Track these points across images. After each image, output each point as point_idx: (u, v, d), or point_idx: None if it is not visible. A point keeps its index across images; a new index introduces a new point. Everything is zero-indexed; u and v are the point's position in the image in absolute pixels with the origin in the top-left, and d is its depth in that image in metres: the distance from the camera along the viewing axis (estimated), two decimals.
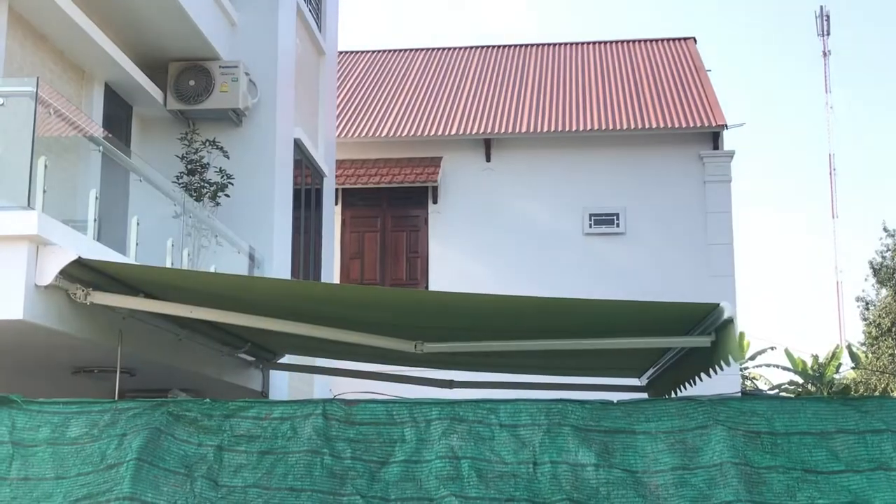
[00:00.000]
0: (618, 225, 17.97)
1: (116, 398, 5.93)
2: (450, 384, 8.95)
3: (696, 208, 17.86)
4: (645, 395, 8.32)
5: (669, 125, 18.11)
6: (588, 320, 6.54)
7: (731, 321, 5.72)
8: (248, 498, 4.94)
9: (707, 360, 6.27)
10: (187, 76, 11.57)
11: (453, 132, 18.47)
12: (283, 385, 11.34)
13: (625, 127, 18.22)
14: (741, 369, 24.01)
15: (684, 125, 18.05)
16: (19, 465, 5.16)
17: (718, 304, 5.80)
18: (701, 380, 6.97)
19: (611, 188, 18.10)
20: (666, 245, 17.76)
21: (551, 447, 5.10)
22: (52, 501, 4.97)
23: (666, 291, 16.57)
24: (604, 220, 18.01)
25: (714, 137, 18.23)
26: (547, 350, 7.04)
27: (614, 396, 5.62)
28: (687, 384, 7.49)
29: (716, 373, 6.41)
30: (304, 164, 13.59)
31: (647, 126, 18.16)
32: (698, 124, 18.04)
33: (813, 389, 29.72)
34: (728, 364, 5.90)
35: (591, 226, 18.00)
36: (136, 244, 7.75)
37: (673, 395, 7.73)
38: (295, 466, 5.07)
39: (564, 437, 5.13)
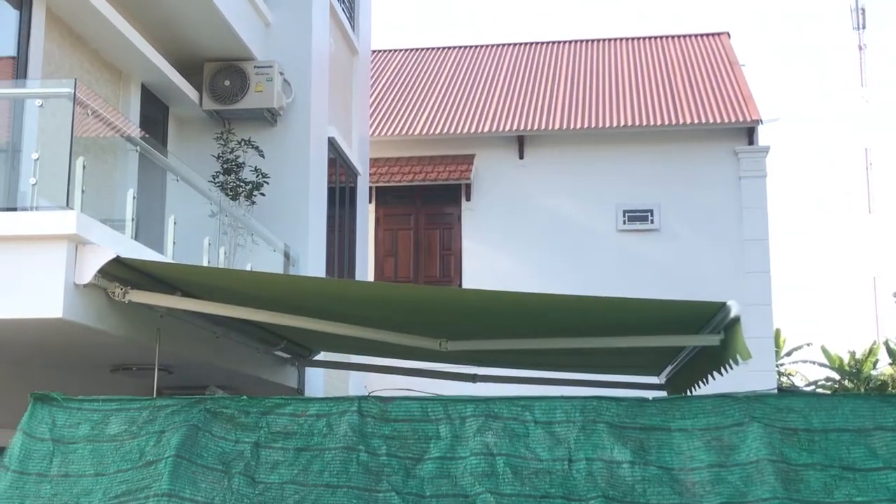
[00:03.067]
0: (652, 221, 17.88)
1: (155, 396, 6.00)
2: (473, 378, 9.08)
3: (731, 204, 17.73)
4: (664, 394, 8.32)
5: (704, 121, 17.99)
6: (602, 318, 6.57)
7: (737, 320, 5.71)
8: (285, 494, 4.98)
9: (719, 358, 6.28)
10: (222, 76, 11.65)
11: (486, 129, 18.46)
12: (318, 382, 11.41)
13: (658, 123, 18.12)
14: (777, 366, 23.80)
15: (718, 120, 17.93)
16: (59, 462, 5.23)
17: (725, 303, 5.80)
18: (714, 378, 6.99)
19: (645, 184, 18.01)
20: (701, 241, 17.65)
21: (586, 444, 5.10)
22: (91, 498, 5.03)
23: (700, 288, 16.48)
24: (638, 217, 17.93)
25: (749, 133, 18.09)
26: (564, 349, 7.10)
27: (632, 394, 5.63)
28: (701, 382, 7.50)
29: (727, 371, 6.42)
30: (338, 162, 13.65)
31: (681, 122, 18.05)
32: (733, 119, 17.91)
33: (850, 386, 29.41)
34: (736, 363, 5.90)
35: (624, 222, 17.92)
36: (174, 243, 7.82)
37: (689, 393, 7.73)
38: (331, 463, 5.10)
39: (599, 434, 5.13)
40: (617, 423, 5.17)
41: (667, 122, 18.09)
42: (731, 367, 6.21)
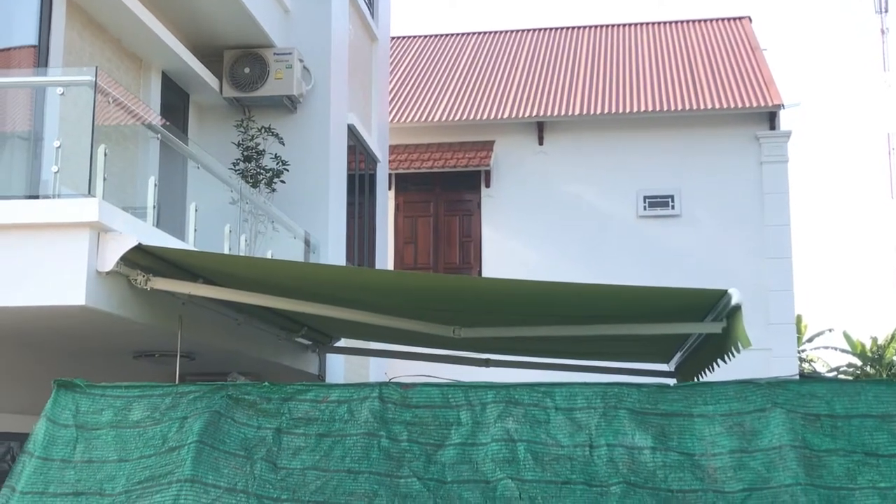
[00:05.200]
0: (672, 207, 17.81)
1: (177, 382, 6.03)
2: (486, 363, 9.16)
3: (752, 189, 17.63)
4: (674, 381, 8.33)
5: (725, 105, 17.88)
6: (610, 306, 6.58)
7: (738, 308, 5.71)
8: (307, 480, 5.00)
9: (722, 345, 6.28)
10: (242, 64, 11.67)
11: (506, 116, 18.42)
12: (339, 368, 11.44)
13: (679, 108, 18.02)
14: (799, 352, 23.70)
15: (740, 105, 17.82)
16: (83, 448, 5.27)
17: (727, 291, 5.79)
18: (718, 366, 7.00)
19: (665, 170, 17.93)
20: (722, 227, 17.58)
21: (607, 430, 5.10)
22: (115, 484, 5.06)
23: (721, 274, 16.44)
24: (658, 203, 17.86)
25: (770, 117, 17.97)
26: (574, 336, 7.15)
27: (641, 381, 5.64)
28: (708, 369, 7.49)
29: (730, 358, 6.42)
30: (357, 149, 13.66)
31: (702, 107, 17.94)
32: (754, 104, 17.79)
33: (872, 372, 29.26)
34: (738, 351, 5.90)
35: (645, 208, 17.86)
36: (195, 230, 7.85)
37: (697, 379, 7.73)
38: (352, 449, 5.11)
39: (621, 420, 5.12)
40: (638, 410, 5.16)
41: (687, 108, 17.99)
42: (734, 355, 6.22)
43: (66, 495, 5.04)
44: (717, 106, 17.89)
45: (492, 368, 9.29)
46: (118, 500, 4.97)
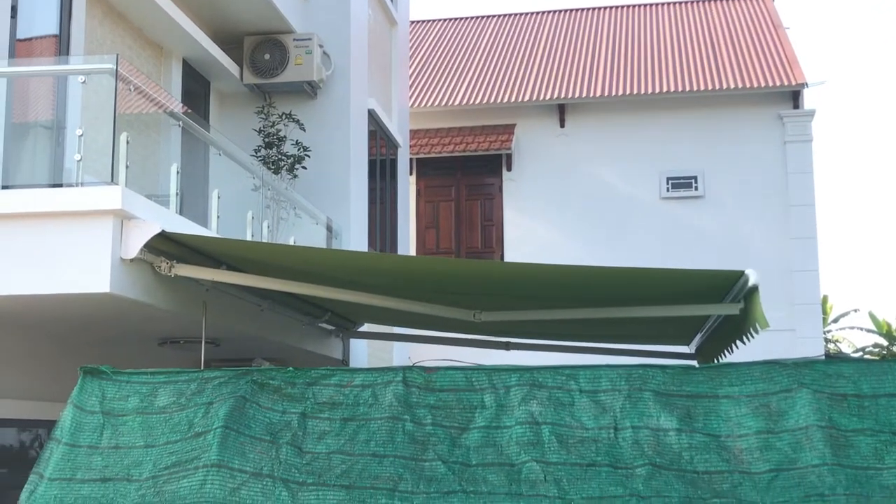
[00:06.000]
0: (696, 188, 17.71)
1: (202, 368, 6.06)
2: (506, 346, 9.18)
3: (776, 169, 17.51)
4: (695, 363, 8.31)
5: (748, 85, 17.74)
6: (629, 289, 6.56)
7: (755, 289, 5.67)
8: (333, 464, 5.02)
9: (740, 327, 6.25)
10: (262, 50, 11.68)
11: (526, 98, 18.35)
12: (362, 353, 11.47)
13: (702, 88, 17.89)
14: (824, 332, 23.58)
15: (763, 85, 17.67)
16: (110, 435, 5.30)
17: (744, 272, 5.76)
18: (737, 347, 6.96)
19: (688, 151, 17.83)
20: (746, 208, 17.47)
21: (632, 412, 5.09)
22: (142, 469, 5.10)
23: (746, 255, 16.36)
24: (681, 184, 17.76)
25: (794, 96, 17.82)
26: (592, 319, 7.14)
27: (663, 363, 5.62)
28: (727, 351, 7.46)
29: (749, 340, 6.38)
30: (378, 134, 13.65)
31: (724, 87, 17.81)
32: (777, 83, 17.64)
33: None
34: (756, 332, 5.86)
35: (668, 190, 17.77)
36: (218, 217, 7.87)
37: (716, 361, 7.70)
38: (377, 433, 5.13)
39: (645, 402, 5.11)
40: (663, 391, 5.15)
41: (710, 88, 17.86)
42: (752, 336, 6.18)
43: (94, 481, 5.08)
44: (741, 85, 17.76)
45: (513, 352, 9.32)
46: (145, 485, 5.00)
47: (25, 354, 7.40)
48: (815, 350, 15.59)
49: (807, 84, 17.59)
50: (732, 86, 17.79)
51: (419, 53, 21.60)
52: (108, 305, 6.44)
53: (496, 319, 7.25)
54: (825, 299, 28.82)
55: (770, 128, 17.71)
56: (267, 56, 11.64)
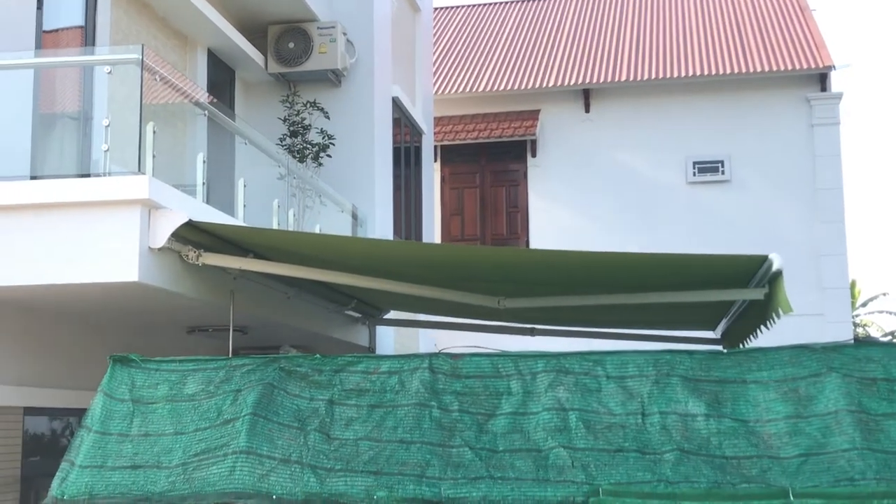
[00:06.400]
0: (722, 172, 17.59)
1: (230, 356, 6.09)
2: (531, 332, 9.17)
3: (803, 153, 17.36)
4: (721, 348, 8.27)
5: (774, 68, 17.58)
6: (654, 274, 6.53)
7: (780, 273, 5.63)
8: (360, 450, 5.04)
9: (765, 311, 6.21)
10: (286, 39, 11.69)
11: (551, 84, 18.28)
12: (389, 340, 11.50)
13: (728, 71, 17.75)
14: (853, 316, 23.40)
15: (790, 67, 17.51)
16: (140, 422, 5.34)
17: (767, 256, 5.71)
18: (762, 332, 6.91)
19: (715, 135, 17.70)
20: (773, 192, 17.34)
21: (660, 398, 5.07)
22: (171, 456, 5.14)
23: (773, 240, 16.23)
24: (708, 168, 17.65)
25: (821, 79, 17.64)
26: (616, 305, 7.11)
27: (689, 349, 5.60)
28: (752, 336, 7.41)
29: (774, 324, 6.33)
30: (402, 122, 13.65)
31: (751, 70, 17.66)
32: (804, 66, 17.47)
33: None
34: (779, 316, 5.82)
35: (694, 174, 17.66)
36: (244, 206, 7.90)
37: (742, 346, 7.65)
38: (404, 419, 5.14)
39: (673, 387, 5.09)
40: (691, 377, 5.13)
41: (736, 71, 17.72)
42: (775, 321, 6.14)
43: (124, 468, 5.12)
44: (767, 68, 17.60)
45: (537, 338, 9.30)
46: (175, 472, 5.04)
47: (55, 343, 7.47)
48: (844, 334, 15.46)
49: (834, 66, 17.41)
50: (759, 69, 17.64)
51: (443, 40, 21.55)
52: (137, 294, 6.48)
53: (520, 306, 7.24)
54: (853, 283, 28.60)
55: (797, 111, 17.55)
56: (291, 45, 11.66)
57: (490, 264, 6.71)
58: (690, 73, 17.88)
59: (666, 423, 4.97)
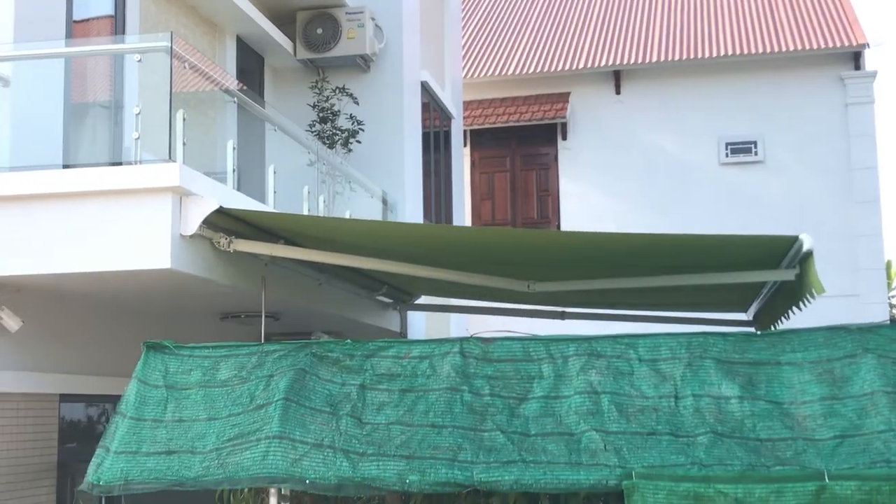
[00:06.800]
0: (755, 153, 17.43)
1: (262, 341, 6.12)
2: (561, 315, 9.15)
3: (837, 132, 17.16)
4: (753, 330, 8.20)
5: (807, 47, 17.37)
6: (683, 256, 6.48)
7: (810, 254, 5.56)
8: (392, 434, 5.05)
9: (797, 292, 6.14)
10: (315, 24, 11.69)
11: (581, 66, 18.17)
12: (420, 325, 11.51)
13: (760, 51, 17.56)
14: (889, 297, 23.15)
15: (823, 46, 17.29)
16: (174, 408, 5.39)
17: (798, 237, 5.64)
18: (794, 313, 6.84)
19: (747, 115, 17.53)
20: (807, 172, 17.17)
21: (693, 380, 5.05)
22: (205, 442, 5.17)
23: (807, 220, 16.08)
24: (740, 149, 17.49)
25: (855, 57, 17.41)
26: (647, 287, 7.07)
27: (722, 330, 5.55)
28: (784, 318, 7.34)
29: (805, 305, 6.26)
30: (431, 106, 13.62)
31: (783, 49, 17.46)
32: (838, 44, 17.25)
33: None
34: (812, 298, 5.75)
35: (727, 155, 17.51)
36: (274, 192, 7.92)
37: (774, 328, 7.58)
38: (435, 404, 5.15)
39: (706, 369, 5.06)
40: (724, 359, 5.10)
41: (769, 50, 17.52)
42: (808, 302, 6.07)
43: (159, 454, 5.17)
44: (800, 47, 17.39)
45: (568, 321, 9.28)
46: (209, 457, 5.08)
47: (90, 331, 7.54)
48: (880, 315, 15.30)
49: (868, 44, 17.18)
50: (792, 48, 17.43)
51: (472, 23, 21.46)
52: (170, 281, 6.52)
53: (550, 290, 7.22)
54: (889, 264, 28.26)
55: (831, 90, 17.34)
56: (319, 31, 11.65)
57: (520, 247, 6.69)
58: (722, 53, 17.71)
59: (699, 405, 4.95)
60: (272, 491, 5.54)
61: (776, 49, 17.49)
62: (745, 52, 17.60)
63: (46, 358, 7.01)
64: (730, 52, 17.68)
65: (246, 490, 5.88)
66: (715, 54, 17.73)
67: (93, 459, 5.27)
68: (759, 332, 5.30)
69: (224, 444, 5.11)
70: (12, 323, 6.46)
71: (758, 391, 4.97)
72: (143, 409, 5.38)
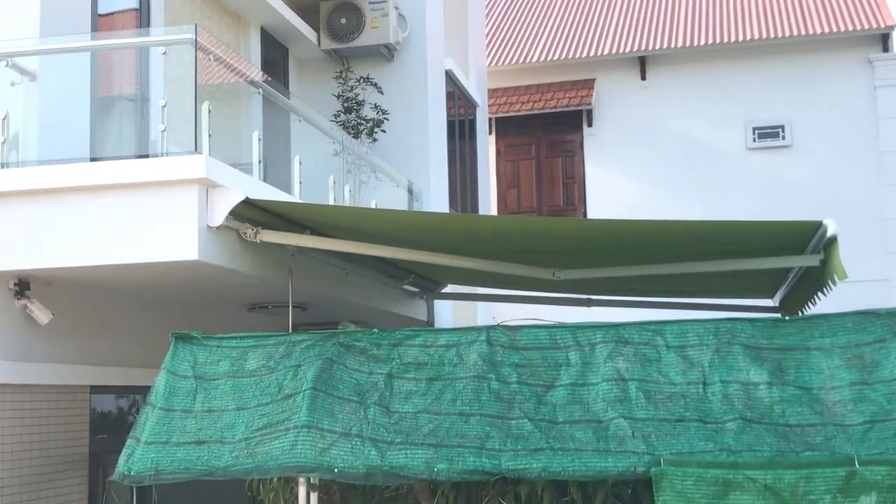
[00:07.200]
0: (783, 137, 17.29)
1: (290, 331, 6.15)
2: (587, 302, 9.13)
3: (866, 115, 16.98)
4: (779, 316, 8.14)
5: (834, 29, 17.19)
6: (707, 242, 6.43)
7: (834, 239, 5.50)
8: (420, 423, 5.06)
9: (821, 278, 6.09)
10: (338, 14, 11.69)
11: (606, 52, 18.08)
12: (446, 314, 11.52)
13: (787, 34, 17.40)
14: None
15: (850, 28, 17.11)
16: (203, 398, 5.43)
17: (822, 223, 5.59)
18: (819, 299, 6.78)
19: (774, 99, 17.39)
20: (835, 156, 17.01)
21: (721, 367, 5.03)
22: (234, 431, 5.21)
23: (837, 204, 15.95)
24: (768, 133, 17.35)
25: (883, 39, 17.21)
26: (672, 274, 7.03)
27: (750, 317, 5.50)
28: (809, 303, 7.28)
29: (830, 291, 6.20)
30: (456, 95, 13.60)
31: (810, 32, 17.29)
32: (866, 26, 17.06)
33: None
34: (835, 283, 5.70)
35: (754, 140, 17.38)
36: (300, 183, 7.94)
37: (801, 314, 7.52)
38: (463, 392, 5.16)
39: (735, 356, 5.04)
40: (752, 345, 5.07)
41: (795, 33, 17.36)
42: (832, 288, 6.02)
43: (189, 444, 5.21)
44: (827, 30, 17.22)
45: (594, 309, 9.25)
46: (238, 447, 5.11)
47: (119, 322, 7.60)
48: None
49: None
50: (819, 31, 17.26)
51: (495, 10, 21.40)
52: (197, 272, 6.56)
53: (575, 277, 7.20)
54: None
55: (859, 72, 17.17)
56: (343, 20, 11.65)
57: (546, 235, 6.67)
58: (748, 37, 17.56)
59: (728, 391, 4.93)
60: (301, 480, 5.57)
61: (803, 32, 17.33)
62: (772, 35, 17.45)
63: (77, 350, 7.07)
64: (756, 36, 17.53)
65: (275, 479, 5.92)
66: (741, 38, 17.59)
67: (124, 450, 5.32)
68: (787, 318, 5.26)
69: (253, 433, 5.14)
70: (42, 316, 6.52)
71: (787, 377, 4.94)
72: (173, 399, 5.43)
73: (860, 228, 15.59)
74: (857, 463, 4.45)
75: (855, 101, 17.06)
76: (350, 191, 9.32)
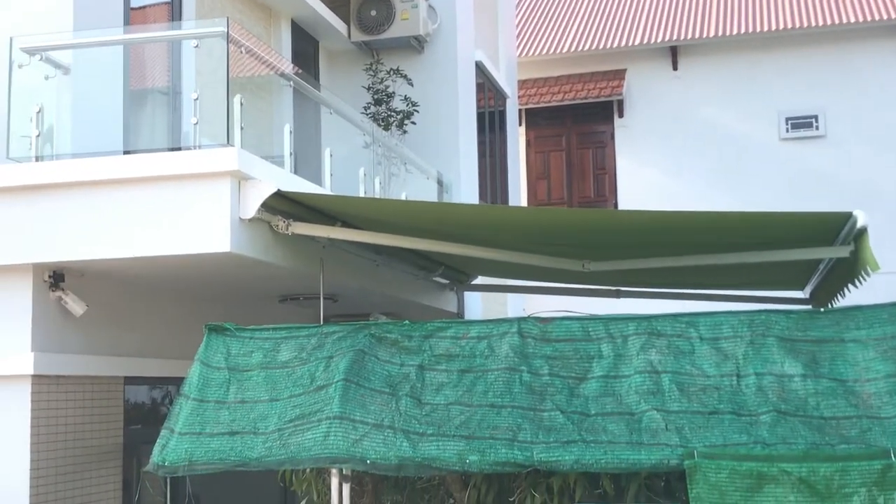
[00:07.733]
0: (817, 128, 17.11)
1: (321, 323, 6.17)
2: (616, 294, 9.06)
3: None
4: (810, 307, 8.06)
5: (869, 18, 16.98)
6: (738, 233, 6.38)
7: (864, 230, 5.43)
8: (451, 415, 5.06)
9: (852, 270, 6.01)
10: (368, 6, 11.69)
11: (637, 42, 17.97)
12: (477, 305, 11.52)
13: (821, 23, 17.21)
14: None
15: (885, 17, 16.89)
16: (236, 390, 5.46)
17: (851, 213, 5.52)
18: (849, 290, 6.70)
19: (808, 89, 17.21)
20: (870, 146, 16.81)
21: (755, 359, 4.99)
22: (267, 422, 5.24)
23: (870, 195, 15.78)
24: (801, 124, 17.18)
25: None
26: (701, 265, 6.98)
27: (784, 308, 5.45)
28: (839, 295, 7.20)
29: (861, 283, 6.13)
30: (486, 86, 13.57)
31: (844, 20, 17.09)
32: None
33: None
34: (867, 275, 5.63)
35: (787, 130, 17.22)
36: (331, 175, 7.96)
37: (831, 305, 7.44)
38: (494, 384, 5.15)
39: (769, 348, 5.00)
40: (787, 337, 5.03)
41: (829, 22, 17.16)
42: (864, 279, 5.95)
43: (222, 435, 5.25)
44: (862, 19, 17.01)
45: (624, 300, 9.19)
46: (271, 438, 5.14)
47: (152, 314, 7.66)
48: None
49: None
50: (853, 20, 17.06)
51: (525, 1, 21.32)
52: (229, 264, 6.59)
53: (605, 269, 7.16)
54: None
55: (893, 61, 16.95)
56: (373, 12, 11.66)
57: (576, 226, 6.65)
58: (781, 26, 17.39)
59: (762, 384, 4.89)
60: (334, 471, 5.59)
61: (837, 21, 17.13)
62: (806, 24, 17.26)
63: (110, 341, 7.13)
64: (789, 25, 17.36)
65: (308, 470, 5.95)
66: (774, 27, 17.42)
67: (158, 441, 5.36)
68: (822, 310, 5.22)
69: (286, 424, 5.16)
70: (77, 307, 6.58)
71: (821, 369, 4.90)
72: (206, 390, 5.46)
73: (871, 220, 15.38)
74: (893, 456, 4.40)
75: (889, 91, 16.85)
76: (380, 183, 9.33)
